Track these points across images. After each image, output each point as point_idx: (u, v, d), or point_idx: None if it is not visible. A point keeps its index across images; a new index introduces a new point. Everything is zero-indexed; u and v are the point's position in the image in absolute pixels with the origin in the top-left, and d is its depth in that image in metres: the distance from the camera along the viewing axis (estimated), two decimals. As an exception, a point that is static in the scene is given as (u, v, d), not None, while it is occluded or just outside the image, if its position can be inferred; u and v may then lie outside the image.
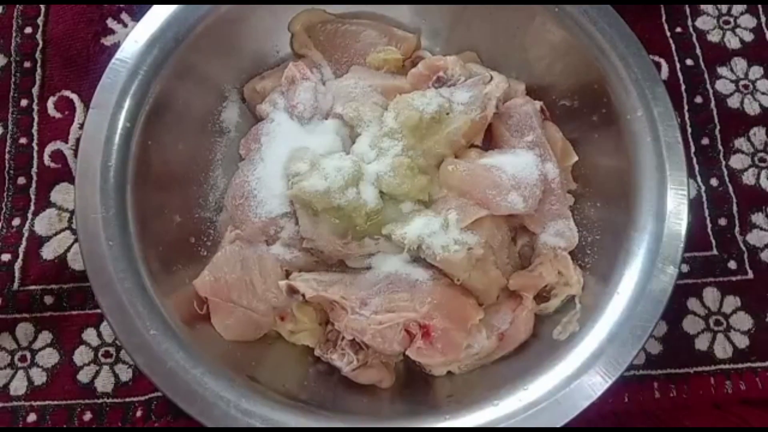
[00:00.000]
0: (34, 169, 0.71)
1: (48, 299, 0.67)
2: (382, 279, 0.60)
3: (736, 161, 0.73)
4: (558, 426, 0.52)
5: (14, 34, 0.75)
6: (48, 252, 0.68)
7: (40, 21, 0.76)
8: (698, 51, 0.77)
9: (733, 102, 0.75)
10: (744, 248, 0.70)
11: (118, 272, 0.55)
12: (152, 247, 0.58)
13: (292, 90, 0.65)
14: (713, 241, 0.70)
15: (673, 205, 0.58)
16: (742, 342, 0.67)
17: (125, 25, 0.76)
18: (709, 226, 0.71)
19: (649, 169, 0.59)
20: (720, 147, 0.74)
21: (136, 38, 0.61)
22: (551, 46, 0.66)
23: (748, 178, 0.73)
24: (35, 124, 0.72)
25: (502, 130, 0.64)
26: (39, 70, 0.74)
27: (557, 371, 0.54)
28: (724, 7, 0.79)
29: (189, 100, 0.65)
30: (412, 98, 0.62)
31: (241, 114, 0.69)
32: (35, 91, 0.74)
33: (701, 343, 0.67)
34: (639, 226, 0.58)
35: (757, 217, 0.71)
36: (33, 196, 0.70)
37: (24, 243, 0.68)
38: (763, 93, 0.76)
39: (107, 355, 0.65)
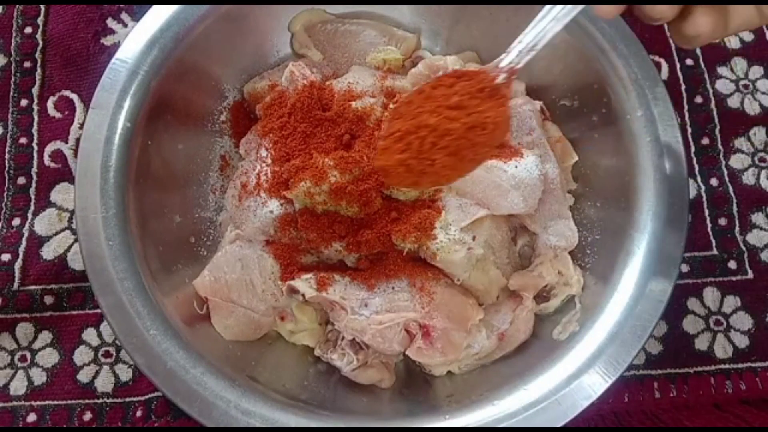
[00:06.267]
0: (34, 169, 0.71)
1: (48, 299, 0.67)
2: (383, 279, 0.60)
3: (736, 161, 0.73)
4: (558, 426, 0.52)
5: (14, 34, 0.75)
6: (48, 252, 0.68)
7: (40, 21, 0.76)
8: (698, 51, 0.77)
9: (733, 102, 0.75)
10: (744, 248, 0.70)
11: (119, 272, 0.55)
12: (152, 247, 0.58)
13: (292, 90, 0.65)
14: (713, 241, 0.70)
15: (672, 205, 0.58)
16: (742, 342, 0.67)
17: (125, 25, 0.76)
18: (709, 226, 0.71)
19: (649, 169, 0.59)
20: (720, 147, 0.74)
21: (136, 38, 0.61)
22: (551, 46, 0.65)
23: (748, 178, 0.73)
24: (35, 124, 0.72)
25: (503, 130, 0.64)
26: (39, 70, 0.74)
27: (557, 371, 0.54)
28: (724, 7, 0.79)
29: (189, 100, 0.65)
30: (412, 98, 0.62)
31: (240, 114, 0.69)
32: (35, 91, 0.74)
33: (701, 343, 0.67)
34: (639, 226, 0.58)
35: (757, 217, 0.71)
36: (33, 196, 0.70)
37: (24, 243, 0.68)
38: (763, 93, 0.76)
39: (107, 355, 0.65)
